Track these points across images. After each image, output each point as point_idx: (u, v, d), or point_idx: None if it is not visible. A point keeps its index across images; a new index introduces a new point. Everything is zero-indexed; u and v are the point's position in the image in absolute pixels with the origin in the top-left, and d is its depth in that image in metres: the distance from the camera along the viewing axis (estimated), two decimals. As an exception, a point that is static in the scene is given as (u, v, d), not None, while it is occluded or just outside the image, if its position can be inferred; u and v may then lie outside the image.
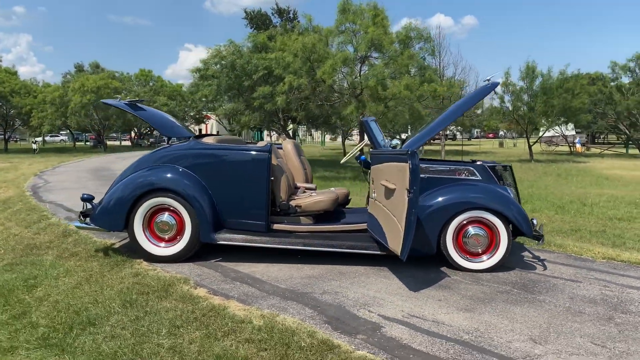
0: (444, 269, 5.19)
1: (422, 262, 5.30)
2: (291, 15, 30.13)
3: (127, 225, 5.37)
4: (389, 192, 4.58)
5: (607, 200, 11.24)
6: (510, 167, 5.79)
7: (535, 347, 3.38)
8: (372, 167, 5.25)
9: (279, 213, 5.51)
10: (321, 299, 4.30)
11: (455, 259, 5.05)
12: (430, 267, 5.20)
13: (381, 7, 16.40)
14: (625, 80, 34.99)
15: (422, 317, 3.89)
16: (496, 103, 29.01)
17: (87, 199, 5.70)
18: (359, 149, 6.18)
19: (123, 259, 5.48)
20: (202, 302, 4.20)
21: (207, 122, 68.57)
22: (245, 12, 31.33)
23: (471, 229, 5.05)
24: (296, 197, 5.67)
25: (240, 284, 4.72)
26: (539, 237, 5.09)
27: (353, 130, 32.56)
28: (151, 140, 52.75)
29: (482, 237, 5.04)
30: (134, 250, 5.60)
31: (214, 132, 71.84)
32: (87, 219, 5.64)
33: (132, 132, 54.90)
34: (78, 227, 5.84)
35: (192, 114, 55.02)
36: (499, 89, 27.05)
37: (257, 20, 30.68)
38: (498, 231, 5.02)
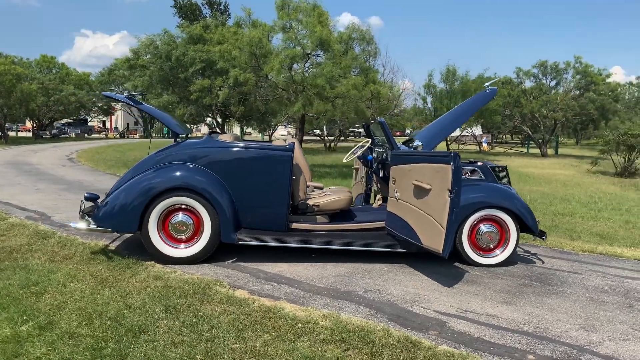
0: (457, 264, 5.48)
1: (435, 258, 5.55)
2: (222, 7, 29.43)
3: (141, 227, 5.11)
4: (422, 192, 4.76)
5: (541, 197, 12.26)
6: (506, 167, 6.19)
7: (590, 335, 3.71)
8: (392, 167, 5.39)
9: (296, 212, 5.50)
10: (368, 297, 4.40)
11: (470, 256, 5.35)
12: (445, 263, 5.46)
13: (319, 5, 16.60)
14: (529, 84, 38.03)
15: (475, 312, 4.11)
16: (419, 104, 30.35)
17: (92, 198, 5.34)
18: (363, 148, 6.29)
19: (131, 262, 5.20)
20: (252, 304, 4.13)
21: (114, 114, 65.14)
22: (175, 1, 30.10)
23: (483, 227, 5.37)
24: (312, 196, 5.68)
25: (277, 284, 4.68)
26: (542, 233, 5.52)
27: (279, 125, 32.49)
28: (53, 132, 49.11)
29: (494, 233, 5.38)
30: (135, 251, 5.37)
31: (119, 124, 68.36)
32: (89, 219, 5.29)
33: (31, 122, 50.73)
34: (78, 228, 5.45)
35: (99, 105, 52.10)
36: (422, 90, 28.40)
37: (186, 9, 29.65)
38: (508, 228, 5.39)
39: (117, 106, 58.21)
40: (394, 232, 5.28)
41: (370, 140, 6.35)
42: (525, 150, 42.88)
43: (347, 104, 14.89)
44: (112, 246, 5.93)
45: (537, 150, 40.26)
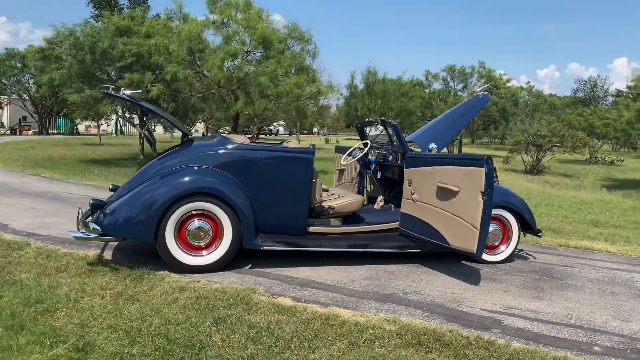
0: (463, 262, 5.70)
1: (444, 257, 5.73)
2: (141, -2, 27.96)
3: (157, 234, 4.79)
4: (448, 194, 4.90)
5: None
6: (495, 168, 6.52)
7: (629, 325, 4.04)
8: (408, 169, 5.48)
9: (311, 215, 5.43)
10: (411, 298, 4.45)
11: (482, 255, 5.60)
12: (455, 262, 5.67)
13: (251, 1, 16.40)
14: (437, 86, 40.14)
15: (516, 308, 4.31)
16: (341, 103, 30.91)
17: (98, 204, 4.90)
18: (363, 151, 6.32)
19: (141, 272, 4.85)
20: (303, 312, 4.03)
21: (2, 107, 59.56)
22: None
23: (491, 226, 5.63)
24: (325, 199, 5.63)
25: (314, 289, 4.60)
26: (539, 231, 5.90)
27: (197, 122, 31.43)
28: None
29: (498, 231, 5.66)
30: (136, 260, 5.07)
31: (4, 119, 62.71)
32: (90, 228, 4.85)
33: None
34: (79, 238, 4.97)
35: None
36: (344, 90, 28.93)
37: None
38: (511, 226, 5.69)
39: (5, 99, 53.16)
40: (410, 233, 5.38)
41: (367, 142, 6.39)
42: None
43: (290, 102, 14.82)
44: (107, 255, 5.49)
45: (444, 149, 42.68)
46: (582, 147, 21.69)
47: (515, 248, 5.77)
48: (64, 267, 5.08)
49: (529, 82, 37.99)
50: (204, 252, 4.90)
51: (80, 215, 5.04)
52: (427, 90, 38.93)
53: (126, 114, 21.57)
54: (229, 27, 15.18)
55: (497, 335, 3.73)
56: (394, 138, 5.99)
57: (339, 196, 5.68)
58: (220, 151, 5.07)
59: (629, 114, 16.33)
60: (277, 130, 66.68)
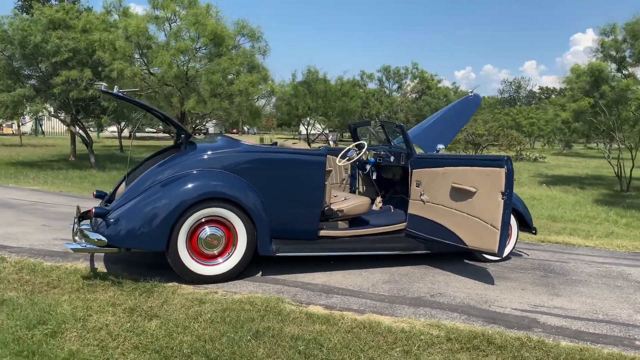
0: (466, 260, 5.76)
1: (449, 257, 5.76)
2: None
3: (168, 244, 4.45)
4: (463, 194, 4.90)
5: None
6: None
7: (650, 317, 4.23)
8: (416, 170, 5.44)
9: (320, 219, 5.26)
10: (441, 301, 4.41)
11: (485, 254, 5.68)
12: (459, 261, 5.71)
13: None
14: (372, 86, 40.82)
15: (543, 306, 4.38)
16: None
17: (102, 213, 4.47)
18: (361, 152, 6.20)
19: (148, 285, 4.49)
20: (342, 320, 3.88)
21: None
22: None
23: None
24: (333, 201, 5.47)
25: (342, 296, 4.45)
26: (534, 228, 6.07)
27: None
28: None
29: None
30: (134, 270, 4.75)
31: None
32: (92, 239, 4.43)
33: None
34: (77, 250, 4.52)
35: None
36: (288, 89, 28.67)
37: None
38: (511, 224, 5.81)
39: None
40: (420, 234, 5.35)
41: (363, 143, 6.29)
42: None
43: (245, 101, 14.46)
44: (100, 267, 5.06)
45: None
46: (517, 145, 22.87)
47: (514, 246, 5.90)
48: (56, 282, 4.62)
49: (454, 82, 39.74)
50: (220, 260, 4.62)
51: (76, 225, 4.59)
52: (362, 91, 39.48)
53: (60, 114, 20.19)
54: (174, 22, 14.57)
55: (541, 334, 3.76)
56: (394, 139, 5.94)
57: (345, 198, 5.55)
58: (232, 154, 4.79)
59: (565, 114, 17.27)
60: (207, 130, 65.20)
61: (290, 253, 4.83)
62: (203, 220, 4.59)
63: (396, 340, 3.58)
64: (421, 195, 5.35)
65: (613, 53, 18.16)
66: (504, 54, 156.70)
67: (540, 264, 5.79)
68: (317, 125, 38.90)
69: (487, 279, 5.11)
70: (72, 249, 4.49)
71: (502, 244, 4.63)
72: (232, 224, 4.63)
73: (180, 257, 4.47)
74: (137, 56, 14.30)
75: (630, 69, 17.93)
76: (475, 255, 5.68)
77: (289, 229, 4.93)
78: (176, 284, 4.60)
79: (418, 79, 38.93)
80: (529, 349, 3.46)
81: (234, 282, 4.71)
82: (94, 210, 4.44)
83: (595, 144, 23.42)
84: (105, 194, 5.65)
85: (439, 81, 39.89)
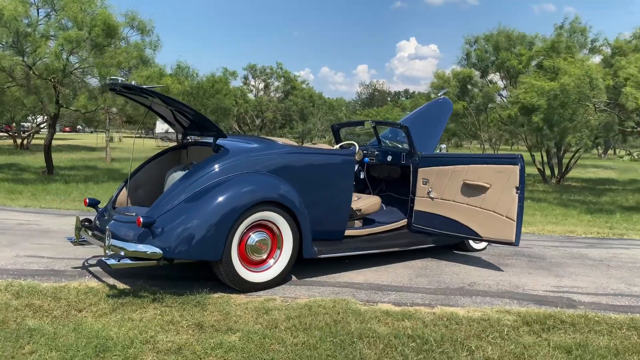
0: (455, 251, 6.22)
1: (443, 249, 6.15)
2: None
3: (223, 253, 4.15)
4: (476, 190, 5.31)
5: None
6: None
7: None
8: (422, 169, 5.70)
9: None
10: (482, 289, 4.74)
11: (472, 244, 6.18)
12: (452, 253, 6.14)
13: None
14: (236, 84, 40.42)
15: (559, 286, 4.94)
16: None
17: (150, 223, 3.99)
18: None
19: (193, 297, 4.18)
20: (424, 315, 3.99)
21: None
22: None
23: None
24: (349, 200, 5.50)
25: (396, 292, 4.56)
26: None
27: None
28: None
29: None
30: (154, 284, 4.43)
31: None
32: (143, 252, 3.97)
33: None
34: (117, 266, 3.99)
35: None
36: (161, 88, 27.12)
37: None
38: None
39: None
40: (427, 229, 5.64)
41: (353, 143, 6.39)
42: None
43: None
44: (113, 283, 4.52)
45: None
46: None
47: None
48: (76, 304, 4.06)
49: (307, 83, 41.14)
50: (271, 262, 4.44)
51: (109, 238, 4.04)
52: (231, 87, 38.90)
53: None
54: (51, 9, 13.04)
55: (588, 310, 4.26)
56: (392, 140, 6.16)
57: (357, 198, 5.63)
58: (272, 155, 4.61)
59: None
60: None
61: (331, 254, 4.80)
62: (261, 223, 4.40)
63: (485, 328, 3.80)
64: (429, 192, 5.64)
65: (474, 60, 20.42)
66: (339, 57, 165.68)
67: (514, 250, 6.44)
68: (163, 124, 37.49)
69: (493, 266, 5.60)
70: (111, 264, 3.96)
71: (519, 234, 5.11)
72: (278, 227, 4.46)
73: (234, 265, 4.20)
74: (17, 45, 12.46)
75: (492, 76, 20.33)
76: (460, 245, 6.15)
77: (320, 230, 4.88)
78: (223, 294, 4.32)
79: (283, 78, 39.55)
80: (595, 323, 3.92)
81: (278, 288, 4.55)
82: (141, 219, 3.95)
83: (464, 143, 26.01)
84: (98, 201, 5.03)
85: (303, 82, 41.06)
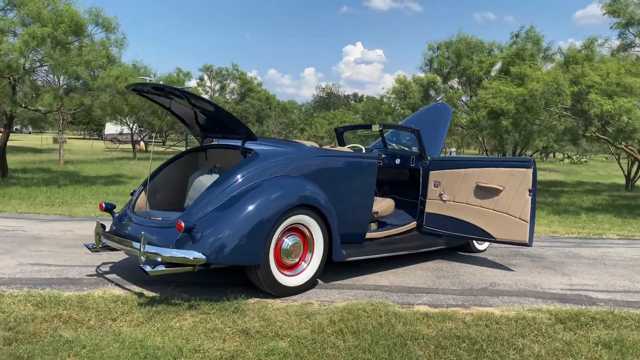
0: (459, 252, 6.37)
1: (448, 251, 6.28)
2: None
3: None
4: (488, 193, 5.45)
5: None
6: None
7: (646, 285, 5.30)
8: (434, 171, 5.79)
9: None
10: (504, 289, 4.87)
11: (476, 245, 6.34)
12: (459, 255, 6.28)
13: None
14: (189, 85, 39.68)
15: (571, 284, 5.14)
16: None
17: (191, 227, 3.85)
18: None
19: (229, 303, 4.09)
20: (463, 316, 4.07)
21: None
22: None
23: None
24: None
25: (427, 294, 4.61)
26: None
27: None
28: None
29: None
30: (185, 291, 4.31)
31: None
32: (188, 258, 3.85)
33: None
34: (156, 273, 3.84)
35: None
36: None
37: None
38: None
39: None
40: (439, 231, 5.74)
41: (360, 147, 6.43)
42: (184, 148, 44.44)
43: (116, 99, 13.02)
44: (141, 290, 4.36)
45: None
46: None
47: None
48: (107, 313, 3.89)
49: (260, 83, 40.83)
50: (303, 265, 4.41)
51: (144, 244, 3.88)
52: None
53: None
54: (15, 4, 12.38)
55: (610, 307, 4.46)
56: (397, 143, 6.23)
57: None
58: (304, 158, 4.57)
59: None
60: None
61: (359, 257, 4.81)
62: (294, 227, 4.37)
63: (524, 326, 3.91)
64: (441, 194, 5.75)
65: (436, 66, 20.95)
66: (286, 60, 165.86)
67: (513, 251, 6.67)
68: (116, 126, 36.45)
69: (502, 266, 5.78)
70: (149, 271, 3.81)
71: (532, 235, 5.29)
72: (310, 230, 4.44)
73: (271, 269, 4.14)
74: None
75: (451, 82, 20.90)
76: (465, 247, 6.31)
77: (345, 233, 4.87)
78: (258, 299, 4.25)
79: (239, 80, 39.18)
80: (623, 319, 4.11)
81: (312, 292, 4.52)
82: (183, 224, 3.82)
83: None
84: (114, 206, 4.83)
85: (259, 84, 40.80)
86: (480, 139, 21.80)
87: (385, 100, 27.00)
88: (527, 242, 5.27)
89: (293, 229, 4.38)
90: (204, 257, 3.78)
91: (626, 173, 20.54)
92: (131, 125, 30.01)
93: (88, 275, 4.76)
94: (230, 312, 3.95)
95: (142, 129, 47.20)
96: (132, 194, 5.06)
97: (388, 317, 3.95)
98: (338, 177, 4.77)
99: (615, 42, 15.50)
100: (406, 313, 4.07)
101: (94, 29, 14.84)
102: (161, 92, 4.49)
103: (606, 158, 45.54)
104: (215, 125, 4.83)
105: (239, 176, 4.23)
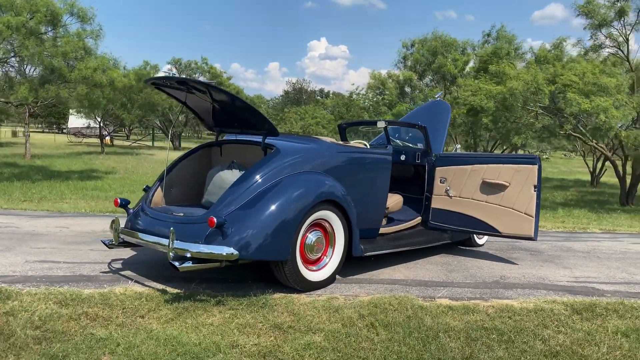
0: (460, 247, 6.52)
1: (451, 245, 6.41)
2: None
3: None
4: (495, 189, 5.59)
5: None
6: None
7: (642, 276, 5.55)
8: (440, 167, 5.88)
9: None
10: (514, 282, 5.02)
11: (476, 240, 6.50)
12: (462, 250, 6.42)
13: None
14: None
15: (575, 276, 5.34)
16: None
17: (222, 223, 3.82)
18: None
19: (254, 299, 4.08)
20: (485, 309, 4.17)
21: None
22: None
23: None
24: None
25: (445, 287, 4.70)
26: None
27: None
28: None
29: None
30: (192, 286, 4.31)
31: None
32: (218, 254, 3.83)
33: None
34: (187, 269, 3.80)
35: None
36: None
37: None
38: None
39: None
40: (445, 226, 5.85)
41: (364, 142, 6.47)
42: (151, 143, 43.69)
43: (94, 91, 12.66)
44: (163, 287, 4.30)
45: (166, 144, 41.86)
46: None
47: None
48: (134, 310, 3.83)
49: (230, 77, 40.18)
50: (326, 260, 4.45)
51: (173, 241, 3.83)
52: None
53: None
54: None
55: (618, 298, 4.66)
56: (400, 139, 6.32)
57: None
58: (326, 154, 4.60)
59: (387, 116, 19.64)
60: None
61: (376, 252, 4.87)
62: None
63: (545, 318, 4.04)
64: (447, 190, 5.86)
65: (410, 64, 21.22)
66: (250, 54, 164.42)
67: (511, 245, 6.85)
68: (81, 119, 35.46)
69: (505, 260, 5.95)
70: (180, 267, 3.77)
71: (536, 230, 5.46)
72: (332, 225, 4.47)
73: (297, 264, 4.15)
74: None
75: (427, 78, 21.22)
76: (465, 242, 6.47)
77: (361, 228, 4.92)
78: (282, 294, 4.25)
79: (209, 74, 38.64)
80: (634, 310, 4.30)
81: (334, 287, 4.55)
82: (215, 220, 3.78)
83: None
84: (129, 201, 4.74)
85: (229, 78, 40.33)
86: (453, 136, 22.21)
87: (355, 96, 27.12)
88: (533, 236, 5.44)
89: (315, 225, 4.39)
90: (236, 252, 3.76)
91: (591, 170, 21.31)
92: (99, 119, 29.21)
93: (103, 272, 4.66)
94: (259, 307, 3.94)
95: (107, 123, 46.11)
96: (145, 190, 4.98)
97: (414, 311, 4.01)
98: (357, 173, 4.81)
99: (587, 43, 16.05)
100: (430, 306, 4.15)
101: (69, 19, 14.44)
102: (183, 86, 4.42)
103: (565, 155, 47.06)
104: (234, 119, 4.79)
105: (264, 172, 4.21)
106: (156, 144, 43.74)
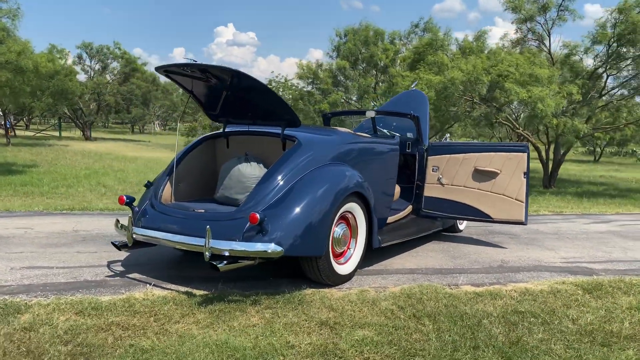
0: (444, 233, 6.69)
1: (442, 232, 6.55)
2: None
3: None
4: (486, 176, 5.77)
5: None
6: None
7: (628, 253, 5.96)
8: (433, 156, 5.96)
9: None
10: (517, 265, 5.22)
11: (458, 226, 6.71)
12: (447, 236, 6.58)
13: None
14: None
15: (565, 257, 5.65)
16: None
17: (263, 219, 3.59)
18: None
19: (294, 296, 3.95)
20: (505, 294, 4.29)
21: None
22: None
23: None
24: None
25: (462, 274, 4.79)
26: None
27: None
28: None
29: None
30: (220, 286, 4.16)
31: None
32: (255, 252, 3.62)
33: None
34: (226, 267, 3.55)
35: None
36: None
37: None
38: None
39: None
40: (437, 213, 5.96)
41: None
42: (57, 134, 40.71)
43: (16, 77, 11.50)
44: (186, 289, 4.02)
45: (73, 134, 39.14)
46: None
47: None
48: (169, 315, 3.57)
49: (145, 63, 38.29)
50: (350, 252, 4.39)
51: (209, 239, 3.58)
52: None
53: None
54: None
55: (611, 275, 4.98)
56: (388, 128, 6.34)
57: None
58: (347, 145, 4.50)
59: (324, 105, 19.65)
60: None
61: (393, 242, 4.87)
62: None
63: (564, 298, 4.24)
64: (439, 178, 5.96)
65: (343, 53, 21.40)
66: (153, 39, 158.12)
67: (488, 230, 7.11)
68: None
69: (492, 244, 6.20)
70: (220, 267, 3.53)
71: (526, 214, 5.71)
72: (355, 218, 4.39)
73: (330, 259, 4.05)
74: None
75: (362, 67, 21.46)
76: (456, 228, 6.68)
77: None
78: (312, 289, 4.12)
79: (122, 59, 36.56)
80: (632, 286, 4.63)
81: (359, 280, 4.48)
82: (258, 216, 3.56)
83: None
84: (134, 198, 4.37)
85: (144, 64, 38.42)
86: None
87: (274, 84, 26.88)
88: (523, 220, 5.68)
89: (340, 217, 4.30)
90: (281, 249, 3.58)
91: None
92: (5, 108, 26.71)
93: (109, 277, 4.27)
94: (297, 305, 3.80)
95: (7, 111, 42.26)
96: (146, 186, 4.61)
97: (448, 299, 4.05)
98: (372, 163, 4.76)
99: (512, 36, 17.00)
100: (459, 294, 4.21)
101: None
102: (197, 73, 4.12)
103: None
104: (247, 109, 4.53)
105: (292, 166, 4.04)
106: (63, 133, 40.81)
